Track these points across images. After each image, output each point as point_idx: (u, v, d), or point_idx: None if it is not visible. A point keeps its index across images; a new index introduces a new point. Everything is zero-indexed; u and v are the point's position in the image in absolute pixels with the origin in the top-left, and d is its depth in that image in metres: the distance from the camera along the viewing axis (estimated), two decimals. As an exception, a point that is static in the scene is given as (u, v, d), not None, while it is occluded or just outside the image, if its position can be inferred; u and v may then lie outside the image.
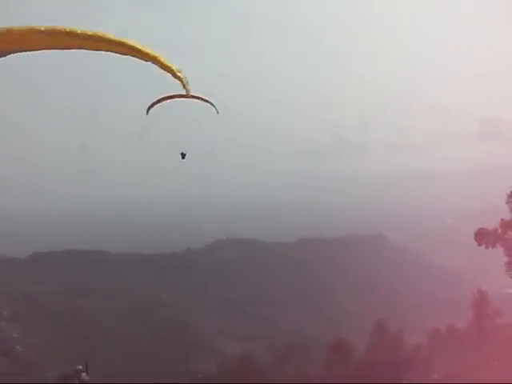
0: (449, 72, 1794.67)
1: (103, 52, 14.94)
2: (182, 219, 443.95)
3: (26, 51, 14.29)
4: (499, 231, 56.04)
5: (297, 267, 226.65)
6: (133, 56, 15.51)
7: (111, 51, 15.08)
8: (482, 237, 56.72)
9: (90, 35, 14.21)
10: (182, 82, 17.70)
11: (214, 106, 26.47)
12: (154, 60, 16.11)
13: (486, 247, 56.71)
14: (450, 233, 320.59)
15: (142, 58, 15.78)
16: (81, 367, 20.96)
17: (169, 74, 17.12)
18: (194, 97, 24.71)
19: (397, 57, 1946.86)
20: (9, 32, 13.37)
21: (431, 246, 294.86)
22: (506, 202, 56.13)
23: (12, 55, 14.00)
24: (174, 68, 17.08)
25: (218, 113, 26.77)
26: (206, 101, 25.92)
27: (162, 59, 16.44)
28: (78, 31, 14.01)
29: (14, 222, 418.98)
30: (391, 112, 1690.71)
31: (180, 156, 27.56)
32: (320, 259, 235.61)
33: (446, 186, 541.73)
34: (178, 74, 17.37)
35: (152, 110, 25.00)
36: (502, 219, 55.83)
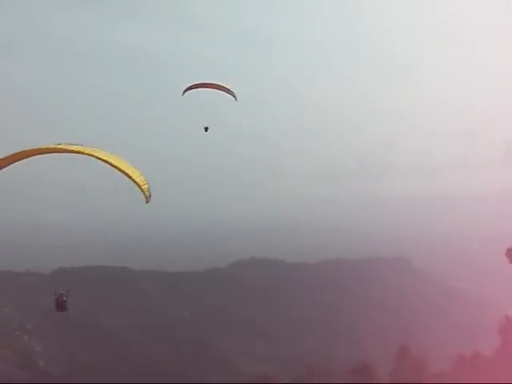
0: (475, 96, 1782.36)
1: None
2: (205, 238, 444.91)
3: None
4: None
5: (319, 288, 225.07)
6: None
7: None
8: None
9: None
10: (143, 191, 22.08)
11: (234, 96, 31.72)
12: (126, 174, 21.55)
13: None
14: (475, 257, 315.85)
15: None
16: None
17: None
18: (221, 87, 30.78)
19: (422, 81, 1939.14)
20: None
21: (455, 270, 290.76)
22: None
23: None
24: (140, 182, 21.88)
25: (236, 100, 31.90)
26: (229, 91, 31.38)
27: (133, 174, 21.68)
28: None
29: (39, 237, 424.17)
30: (416, 136, 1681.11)
31: (204, 129, 32.57)
32: (342, 281, 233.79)
33: (471, 209, 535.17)
34: (143, 187, 21.98)
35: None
36: None
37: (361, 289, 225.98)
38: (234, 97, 32.37)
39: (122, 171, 21.41)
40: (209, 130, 33.58)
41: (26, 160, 21.66)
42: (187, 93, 31.48)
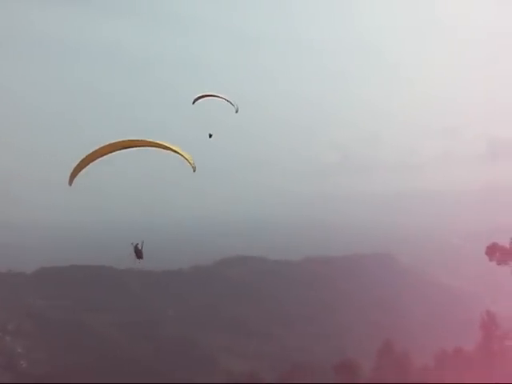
0: (458, 94, 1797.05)
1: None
2: (190, 236, 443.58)
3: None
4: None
5: (304, 285, 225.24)
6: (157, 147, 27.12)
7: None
8: (494, 252, 55.74)
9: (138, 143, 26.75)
10: (190, 162, 27.42)
11: (233, 105, 33.33)
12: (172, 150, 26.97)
13: (498, 263, 55.68)
14: (457, 252, 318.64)
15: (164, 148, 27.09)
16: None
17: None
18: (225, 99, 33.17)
19: (406, 78, 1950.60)
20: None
21: (438, 265, 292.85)
22: None
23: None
24: (185, 155, 27.34)
25: (236, 112, 33.60)
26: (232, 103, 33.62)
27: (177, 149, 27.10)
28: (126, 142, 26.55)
29: (20, 237, 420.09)
30: (399, 132, 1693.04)
31: (208, 136, 33.71)
32: (327, 277, 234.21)
33: (453, 205, 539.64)
34: (191, 161, 27.37)
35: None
36: None
37: (346, 285, 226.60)
38: (235, 108, 33.89)
39: (173, 150, 26.94)
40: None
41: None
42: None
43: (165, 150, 27.25)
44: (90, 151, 26.53)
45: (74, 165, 26.59)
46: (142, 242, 33.22)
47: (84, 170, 27.14)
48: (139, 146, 26.88)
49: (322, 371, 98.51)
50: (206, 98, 32.91)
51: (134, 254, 33.21)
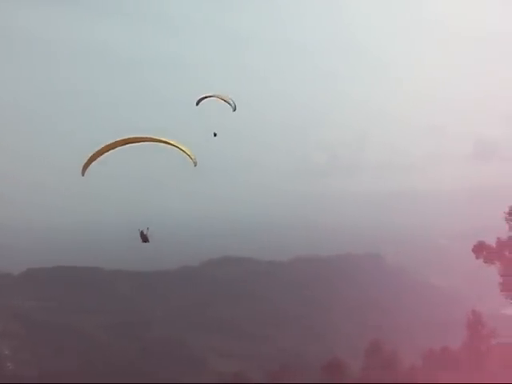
0: (444, 93, 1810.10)
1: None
2: (177, 236, 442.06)
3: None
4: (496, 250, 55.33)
5: (291, 286, 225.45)
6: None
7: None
8: (481, 251, 55.89)
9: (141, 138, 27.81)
10: (191, 158, 28.47)
11: (231, 105, 33.83)
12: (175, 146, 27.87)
13: (485, 261, 55.81)
14: (444, 252, 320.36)
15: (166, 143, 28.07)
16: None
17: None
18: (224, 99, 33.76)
19: (393, 79, 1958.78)
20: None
21: (425, 265, 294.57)
22: (506, 220, 54.88)
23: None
24: (187, 151, 28.24)
25: (234, 110, 34.18)
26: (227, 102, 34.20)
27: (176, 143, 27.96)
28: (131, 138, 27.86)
29: (7, 238, 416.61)
30: (387, 132, 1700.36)
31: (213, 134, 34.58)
32: (315, 278, 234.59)
33: (440, 205, 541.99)
34: (190, 155, 28.25)
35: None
36: (499, 238, 55.11)
37: (333, 285, 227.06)
38: (233, 108, 34.23)
39: (174, 145, 27.86)
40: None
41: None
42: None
43: (164, 147, 28.27)
44: (92, 151, 27.79)
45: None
46: (147, 228, 35.92)
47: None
48: (142, 142, 28.09)
49: (312, 371, 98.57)
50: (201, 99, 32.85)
51: (140, 239, 36.18)
